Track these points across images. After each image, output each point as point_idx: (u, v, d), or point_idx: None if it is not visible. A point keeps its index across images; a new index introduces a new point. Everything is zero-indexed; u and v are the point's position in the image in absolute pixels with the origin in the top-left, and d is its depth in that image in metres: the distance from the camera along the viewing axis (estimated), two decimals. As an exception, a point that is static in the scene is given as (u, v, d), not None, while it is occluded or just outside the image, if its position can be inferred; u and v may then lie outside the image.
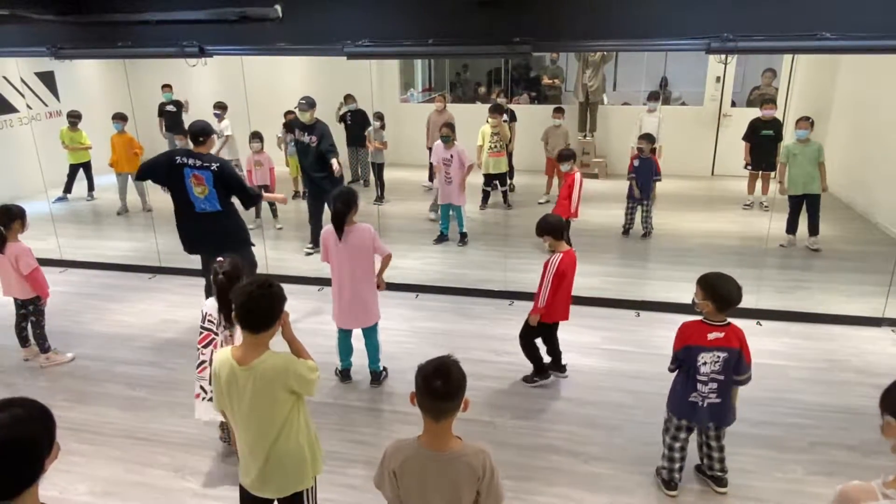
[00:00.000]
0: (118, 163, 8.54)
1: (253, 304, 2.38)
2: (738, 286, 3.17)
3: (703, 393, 3.24)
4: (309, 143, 6.71)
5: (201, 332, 3.43)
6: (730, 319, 3.26)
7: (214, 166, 4.81)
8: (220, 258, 3.35)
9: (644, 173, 7.39)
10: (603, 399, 4.30)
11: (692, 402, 3.28)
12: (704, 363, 3.20)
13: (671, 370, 3.36)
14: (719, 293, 3.15)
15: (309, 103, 6.67)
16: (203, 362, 3.46)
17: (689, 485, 3.48)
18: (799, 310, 5.49)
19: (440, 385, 2.02)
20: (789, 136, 8.41)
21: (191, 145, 4.92)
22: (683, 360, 3.25)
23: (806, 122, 6.83)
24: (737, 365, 3.21)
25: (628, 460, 3.69)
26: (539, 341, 4.46)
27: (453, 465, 2.10)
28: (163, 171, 4.91)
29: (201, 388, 3.52)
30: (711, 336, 3.19)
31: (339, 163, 6.69)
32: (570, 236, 6.91)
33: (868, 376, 4.52)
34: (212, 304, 3.38)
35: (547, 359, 4.52)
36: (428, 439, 2.13)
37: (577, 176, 6.56)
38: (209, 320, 3.40)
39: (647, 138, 7.42)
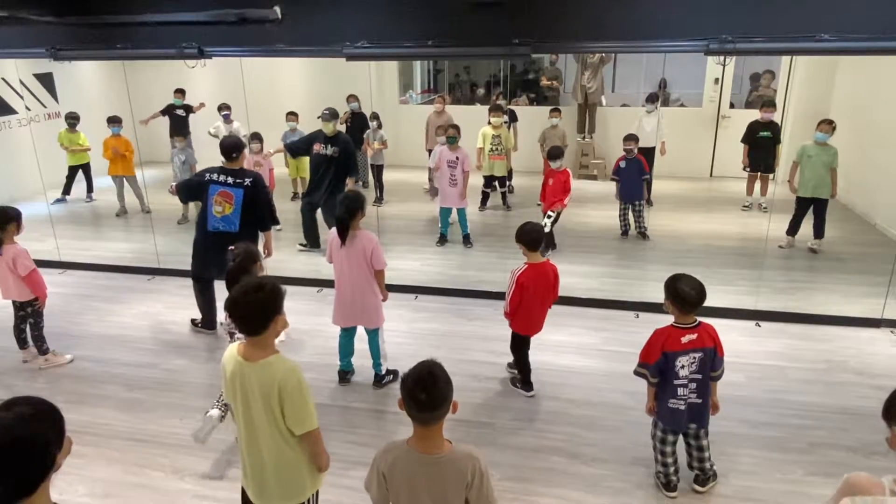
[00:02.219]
0: (113, 166, 8.49)
1: (238, 307, 2.37)
2: (697, 286, 3.15)
3: (684, 395, 3.24)
4: (333, 155, 6.69)
5: None
6: (709, 320, 3.27)
7: (248, 181, 4.84)
8: (231, 246, 3.38)
9: (631, 174, 7.38)
10: (602, 400, 4.30)
11: (672, 407, 3.27)
12: (682, 366, 3.20)
13: (653, 384, 3.27)
14: (676, 294, 3.16)
15: (332, 114, 6.66)
16: None
17: (689, 485, 3.47)
18: (798, 311, 5.50)
19: (425, 398, 2.01)
20: (787, 137, 8.44)
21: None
22: (662, 368, 3.22)
23: (828, 125, 6.67)
24: (712, 362, 3.23)
25: (628, 461, 3.69)
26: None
27: (441, 469, 2.09)
28: (195, 188, 5.01)
29: None
30: (685, 339, 3.19)
31: (354, 181, 6.93)
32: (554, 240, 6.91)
33: (867, 377, 4.52)
34: None
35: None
36: (417, 442, 2.13)
37: (569, 171, 6.90)
38: None
39: (633, 138, 7.42)
